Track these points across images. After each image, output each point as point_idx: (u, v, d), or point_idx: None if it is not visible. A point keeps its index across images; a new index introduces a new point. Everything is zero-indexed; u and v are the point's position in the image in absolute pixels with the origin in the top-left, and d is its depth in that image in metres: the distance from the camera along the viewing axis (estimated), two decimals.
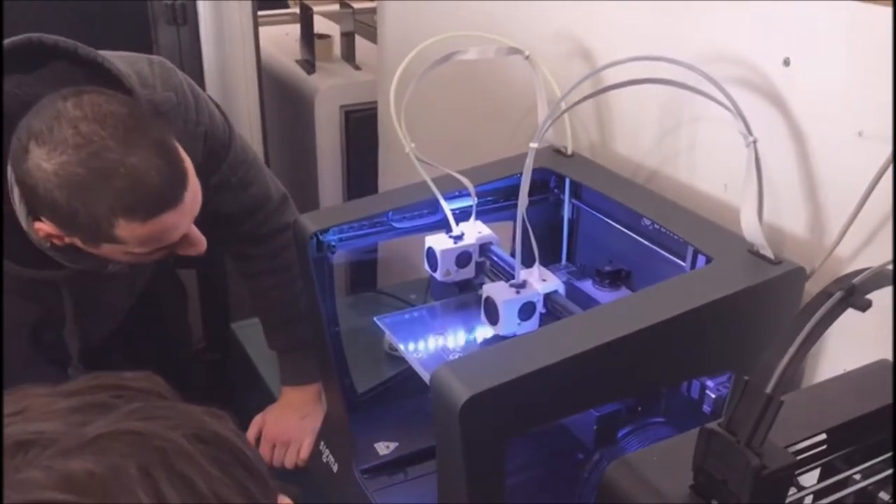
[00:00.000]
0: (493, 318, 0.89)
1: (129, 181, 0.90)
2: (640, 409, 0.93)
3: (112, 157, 0.89)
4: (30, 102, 0.94)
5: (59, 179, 0.89)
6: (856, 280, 0.52)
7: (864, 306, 0.52)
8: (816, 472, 0.65)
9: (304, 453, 1.25)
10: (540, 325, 0.90)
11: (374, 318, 1.00)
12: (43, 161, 0.89)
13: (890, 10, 0.76)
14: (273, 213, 1.29)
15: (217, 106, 1.20)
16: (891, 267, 0.55)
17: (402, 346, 0.96)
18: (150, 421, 0.46)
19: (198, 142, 1.13)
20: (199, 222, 1.05)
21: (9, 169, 0.95)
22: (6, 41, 0.98)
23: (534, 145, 0.86)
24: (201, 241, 1.04)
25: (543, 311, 0.90)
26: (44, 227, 0.95)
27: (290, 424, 1.27)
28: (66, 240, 0.97)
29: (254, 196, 1.25)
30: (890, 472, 0.63)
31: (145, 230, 0.94)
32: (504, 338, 0.88)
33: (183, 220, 0.97)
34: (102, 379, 0.50)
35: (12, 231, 0.99)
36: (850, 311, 0.53)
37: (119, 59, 1.06)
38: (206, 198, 1.03)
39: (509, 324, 0.88)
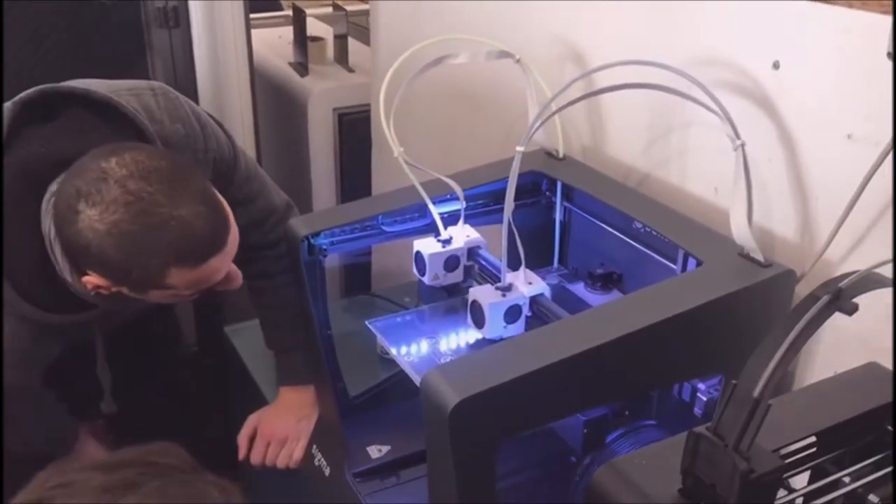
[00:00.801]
0: (479, 322, 0.89)
1: (180, 233, 0.94)
2: (627, 413, 0.93)
3: (162, 211, 0.93)
4: (58, 160, 0.98)
5: (113, 238, 0.92)
6: (843, 284, 0.53)
7: (851, 310, 0.52)
8: (807, 474, 0.65)
9: (298, 454, 1.25)
10: (526, 328, 0.90)
11: (366, 322, 1.00)
12: (95, 221, 0.92)
13: (878, 15, 0.76)
14: (279, 222, 1.30)
15: (219, 124, 1.22)
16: (877, 270, 0.55)
17: (393, 350, 0.96)
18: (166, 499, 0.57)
19: (207, 168, 1.16)
20: None
21: (47, 225, 0.98)
22: (21, 95, 1.01)
23: (520, 149, 0.86)
24: (238, 276, 1.08)
25: (529, 314, 0.90)
26: (92, 279, 0.99)
27: (287, 425, 1.27)
28: (114, 289, 1.00)
29: (260, 208, 1.27)
30: (879, 474, 0.63)
31: (194, 275, 0.98)
32: (490, 341, 0.89)
33: (226, 261, 1.02)
34: (133, 453, 0.61)
35: (46, 283, 1.03)
36: (842, 315, 0.53)
37: (127, 93, 1.08)
38: None
39: (495, 327, 0.88)
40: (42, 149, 0.99)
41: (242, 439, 1.29)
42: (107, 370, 1.22)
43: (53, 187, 0.98)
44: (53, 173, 0.99)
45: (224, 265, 1.02)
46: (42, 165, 0.98)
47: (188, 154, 1.12)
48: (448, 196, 1.03)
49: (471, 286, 0.99)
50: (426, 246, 1.00)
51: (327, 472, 1.17)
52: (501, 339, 0.89)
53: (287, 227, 1.03)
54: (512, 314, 0.89)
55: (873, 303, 0.60)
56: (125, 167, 0.93)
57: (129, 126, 1.04)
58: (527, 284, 0.91)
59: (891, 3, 0.60)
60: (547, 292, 0.91)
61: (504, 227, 0.87)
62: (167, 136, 1.10)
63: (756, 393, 0.51)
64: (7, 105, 1.01)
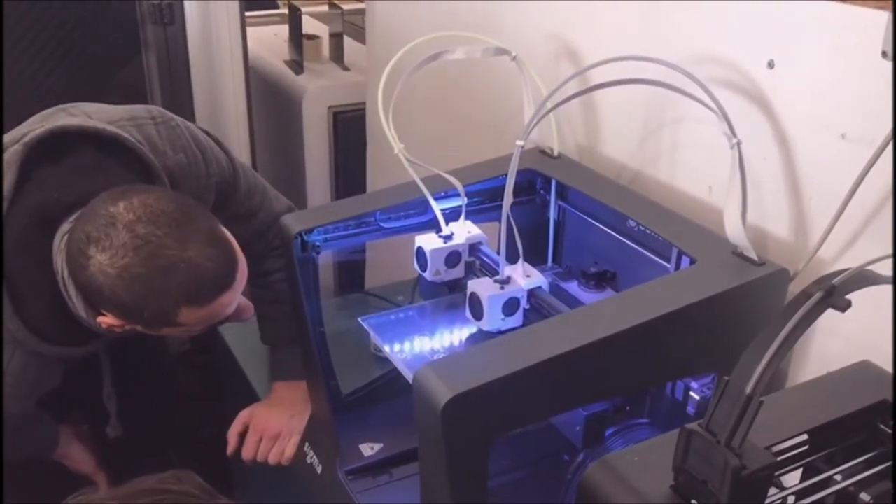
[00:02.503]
0: (477, 314, 0.89)
1: (189, 274, 0.96)
2: (628, 408, 0.93)
3: (170, 253, 0.95)
4: (71, 202, 1.01)
5: (124, 282, 0.95)
6: (835, 281, 0.52)
7: (844, 307, 0.52)
8: (799, 472, 0.65)
9: (290, 451, 1.25)
10: (524, 321, 0.90)
11: (359, 319, 1.00)
12: (106, 266, 0.94)
13: (872, 15, 0.76)
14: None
15: (217, 142, 1.23)
16: (871, 268, 0.55)
17: (386, 347, 0.95)
18: None
19: (210, 192, 1.18)
20: None
21: (59, 263, 1.01)
22: (31, 137, 1.03)
23: (520, 143, 0.86)
24: (249, 308, 1.12)
25: (527, 306, 0.90)
26: (107, 320, 1.02)
27: (280, 420, 1.27)
28: (128, 327, 1.03)
29: (262, 220, 1.28)
30: (871, 472, 0.63)
31: (205, 313, 1.01)
32: (488, 333, 0.89)
33: (235, 297, 1.04)
34: (148, 482, 0.64)
35: (57, 318, 1.05)
36: (836, 312, 0.53)
37: (129, 124, 1.10)
38: None
39: (493, 319, 0.88)
40: (55, 192, 1.02)
41: (232, 434, 1.29)
42: (113, 396, 1.24)
43: (65, 227, 1.01)
44: (66, 214, 1.01)
45: (234, 300, 1.04)
46: (56, 208, 1.01)
47: (191, 181, 1.14)
48: (444, 193, 1.03)
49: None
50: (428, 241, 1.00)
51: (319, 469, 1.17)
52: (500, 332, 0.89)
53: (280, 224, 1.02)
54: (510, 307, 0.89)
55: (866, 301, 0.60)
56: (133, 211, 0.96)
57: (136, 160, 1.07)
58: (525, 277, 0.91)
59: (886, 0, 0.60)
60: (545, 285, 0.92)
61: (503, 221, 0.87)
62: (171, 167, 1.12)
63: (748, 389, 0.51)
64: (16, 147, 1.03)
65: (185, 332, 1.07)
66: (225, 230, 1.03)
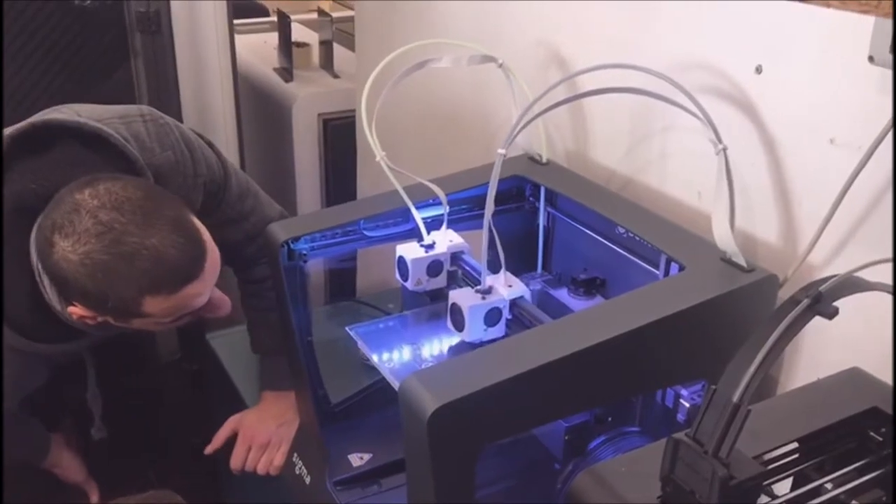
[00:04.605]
0: (459, 325, 0.88)
1: (152, 261, 0.95)
2: (610, 419, 0.92)
3: (133, 240, 0.94)
4: (49, 194, 0.99)
5: (86, 268, 0.93)
6: (823, 287, 0.52)
7: (832, 313, 0.52)
8: (789, 481, 0.65)
9: (279, 461, 1.24)
10: (506, 331, 0.89)
11: (346, 328, 0.99)
12: (69, 253, 0.93)
13: (858, 20, 0.76)
14: None
15: (210, 145, 1.22)
16: (858, 274, 0.54)
17: (374, 357, 0.94)
18: None
19: (197, 192, 1.17)
20: None
21: (35, 257, 0.99)
22: (13, 129, 1.02)
23: (501, 151, 0.85)
24: (225, 303, 1.09)
25: (509, 316, 0.90)
26: (77, 310, 1.00)
27: (268, 430, 1.26)
28: (99, 319, 1.01)
29: (254, 224, 1.27)
30: (862, 480, 0.62)
31: (170, 303, 0.99)
32: (470, 344, 0.88)
33: (205, 288, 1.02)
34: (132, 501, 0.67)
35: (36, 313, 1.04)
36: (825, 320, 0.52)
37: (118, 121, 1.09)
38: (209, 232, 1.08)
39: (475, 330, 0.87)
40: (33, 185, 1.00)
41: (219, 438, 1.28)
42: (98, 397, 1.22)
43: (41, 220, 1.00)
44: (44, 207, 1.00)
45: (203, 292, 1.02)
46: (34, 200, 1.00)
47: (178, 180, 1.13)
48: (431, 201, 1.03)
49: None
50: (409, 251, 0.99)
51: (308, 480, 1.15)
52: (482, 343, 0.88)
53: (267, 232, 1.01)
54: (492, 317, 0.88)
55: (856, 307, 0.59)
56: (97, 198, 0.95)
57: (119, 156, 1.05)
58: (507, 287, 0.90)
59: (869, 3, 0.60)
60: (527, 295, 0.91)
61: (485, 230, 0.86)
62: (157, 165, 1.10)
63: (736, 398, 0.50)
64: None
65: (156, 326, 1.05)
66: (196, 220, 1.01)
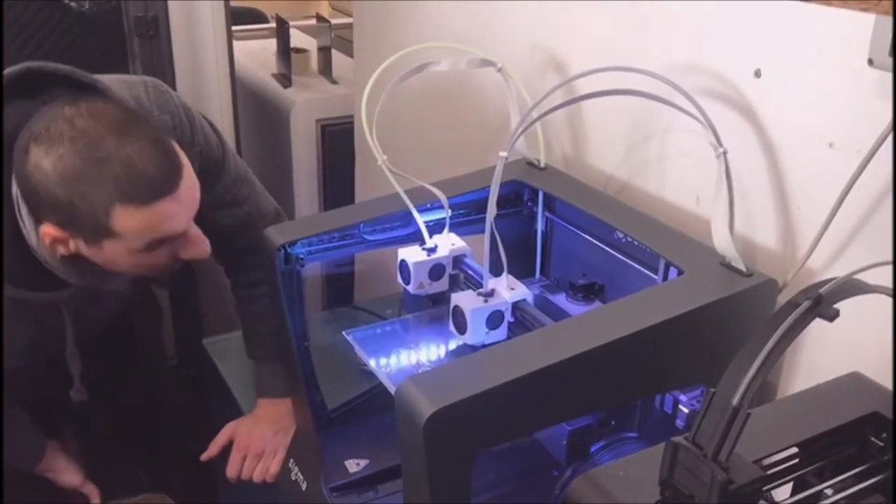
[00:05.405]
0: (461, 327, 0.88)
1: (125, 168, 0.92)
2: (613, 423, 0.92)
3: (107, 146, 0.92)
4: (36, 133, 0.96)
5: (57, 173, 0.91)
6: (823, 290, 0.51)
7: (832, 316, 0.51)
8: (789, 486, 0.64)
9: (274, 468, 1.23)
10: (508, 334, 0.89)
11: (343, 333, 0.98)
12: (42, 158, 0.92)
13: (857, 23, 0.76)
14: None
15: (211, 125, 1.21)
16: (858, 277, 0.54)
17: (371, 361, 0.94)
18: None
19: (193, 162, 1.14)
20: None
21: (15, 186, 0.97)
22: (7, 72, 1.00)
23: (503, 154, 0.85)
24: (203, 241, 1.05)
25: (512, 319, 0.89)
26: (48, 230, 0.97)
27: (264, 437, 1.25)
28: (71, 246, 0.99)
29: (248, 212, 1.26)
30: (862, 486, 0.62)
31: (142, 219, 0.95)
32: (472, 347, 0.87)
33: (180, 211, 0.99)
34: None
35: (16, 255, 1.02)
36: (826, 325, 0.52)
37: (117, 83, 1.08)
38: (201, 215, 1.05)
39: (477, 333, 0.87)
40: (22, 122, 0.98)
41: (215, 445, 1.27)
42: (77, 357, 1.18)
43: (19, 137, 0.97)
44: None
45: (178, 216, 0.99)
46: (19, 138, 0.97)
47: None
48: (430, 205, 1.02)
49: None
50: (411, 254, 0.98)
51: (304, 486, 1.15)
52: (483, 346, 0.87)
53: (263, 236, 1.01)
54: (494, 320, 0.87)
55: (856, 312, 0.59)
56: (77, 109, 0.93)
57: None
58: (509, 290, 0.89)
59: (869, 1, 0.59)
60: (529, 298, 0.90)
61: (487, 233, 0.85)
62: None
63: (735, 401, 0.49)
64: None
65: (132, 258, 1.00)
66: (176, 145, 0.99)
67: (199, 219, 1.03)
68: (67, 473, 1.38)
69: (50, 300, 1.09)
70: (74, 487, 1.39)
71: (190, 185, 0.99)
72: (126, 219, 0.94)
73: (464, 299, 0.88)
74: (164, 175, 0.95)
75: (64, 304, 1.11)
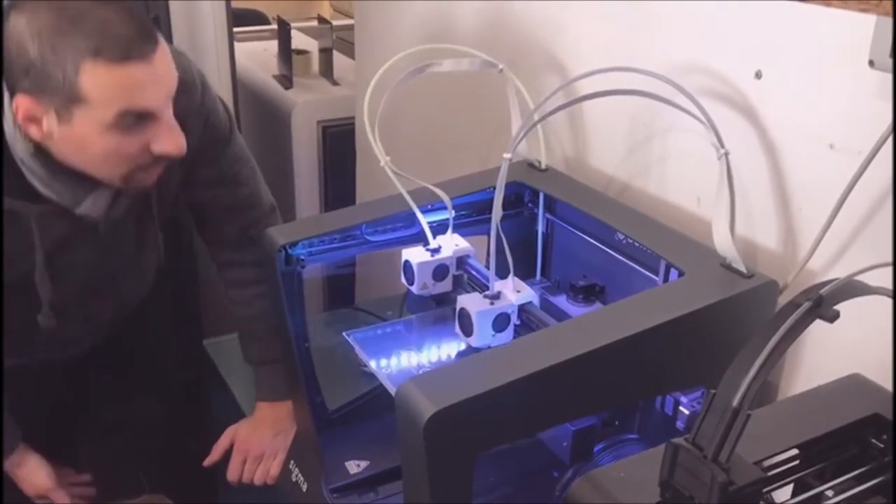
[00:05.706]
0: (467, 330, 0.88)
1: (98, 25, 0.93)
2: (616, 423, 0.92)
3: (83, 6, 0.93)
4: None
5: (31, 30, 0.93)
6: (823, 291, 0.51)
7: (832, 317, 0.51)
8: (790, 487, 0.64)
9: (275, 470, 1.23)
10: (514, 337, 0.89)
11: (344, 334, 0.98)
12: (19, 19, 0.93)
13: (858, 25, 0.76)
14: (261, 219, 1.29)
15: (224, 106, 1.22)
16: (859, 278, 0.54)
17: (371, 362, 0.94)
18: None
19: (199, 121, 1.15)
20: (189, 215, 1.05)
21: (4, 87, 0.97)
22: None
23: (507, 156, 0.85)
24: (179, 134, 1.02)
25: (518, 322, 0.89)
26: (22, 102, 0.96)
27: (263, 440, 1.25)
28: (44, 126, 0.97)
29: (245, 196, 1.26)
30: (862, 487, 0.62)
31: (112, 79, 0.94)
32: (478, 350, 0.87)
33: (153, 82, 0.97)
34: None
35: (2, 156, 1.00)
36: (827, 326, 0.52)
37: None
38: (199, 191, 1.04)
39: (483, 335, 0.87)
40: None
41: (217, 449, 1.27)
42: (46, 279, 1.13)
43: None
44: None
45: (150, 87, 0.97)
46: (4, 12, 0.97)
47: (184, 100, 1.09)
48: (430, 206, 1.02)
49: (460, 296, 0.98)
50: (415, 255, 0.98)
51: (305, 487, 1.15)
52: (489, 348, 0.87)
53: (263, 237, 1.01)
54: (500, 322, 0.87)
55: (856, 313, 0.59)
56: None
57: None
58: (515, 293, 0.89)
59: (869, 2, 0.59)
60: (535, 300, 0.90)
61: (492, 234, 0.85)
62: None
63: (735, 402, 0.49)
64: None
65: (104, 141, 0.98)
66: (156, 30, 0.99)
67: (199, 195, 1.01)
68: (37, 475, 1.28)
69: (21, 210, 1.06)
70: (45, 493, 1.29)
71: (165, 60, 0.98)
72: (95, 79, 0.93)
73: (470, 301, 0.88)
74: (138, 38, 0.95)
75: (34, 218, 1.08)
